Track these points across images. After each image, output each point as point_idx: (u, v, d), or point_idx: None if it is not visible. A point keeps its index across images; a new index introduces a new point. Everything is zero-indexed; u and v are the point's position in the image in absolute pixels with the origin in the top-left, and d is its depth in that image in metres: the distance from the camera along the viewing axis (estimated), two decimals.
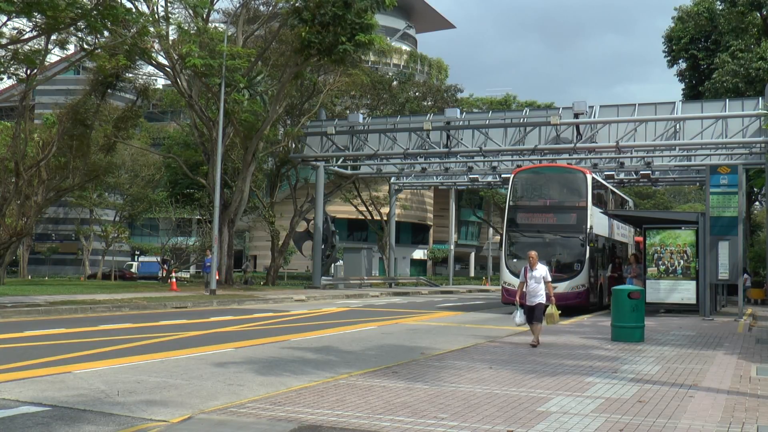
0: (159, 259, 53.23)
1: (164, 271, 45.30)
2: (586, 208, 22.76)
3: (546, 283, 12.66)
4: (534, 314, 12.62)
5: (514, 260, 23.54)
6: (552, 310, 12.71)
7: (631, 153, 32.53)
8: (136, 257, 67.88)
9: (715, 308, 22.65)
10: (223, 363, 10.75)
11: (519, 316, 12.84)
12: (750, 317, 20.72)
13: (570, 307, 22.54)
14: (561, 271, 22.91)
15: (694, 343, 13.80)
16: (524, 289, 12.82)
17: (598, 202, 24.66)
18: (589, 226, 22.59)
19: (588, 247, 22.52)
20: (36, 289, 29.64)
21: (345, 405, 7.29)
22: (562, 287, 22.49)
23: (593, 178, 23.94)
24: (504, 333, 15.97)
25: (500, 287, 27.25)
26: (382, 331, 16.65)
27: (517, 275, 23.69)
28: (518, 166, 30.94)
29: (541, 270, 12.65)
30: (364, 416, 6.81)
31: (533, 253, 12.75)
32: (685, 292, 21.18)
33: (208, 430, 6.24)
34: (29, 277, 54.85)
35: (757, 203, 50.74)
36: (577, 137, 30.14)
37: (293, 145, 37.63)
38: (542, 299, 12.61)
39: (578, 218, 22.86)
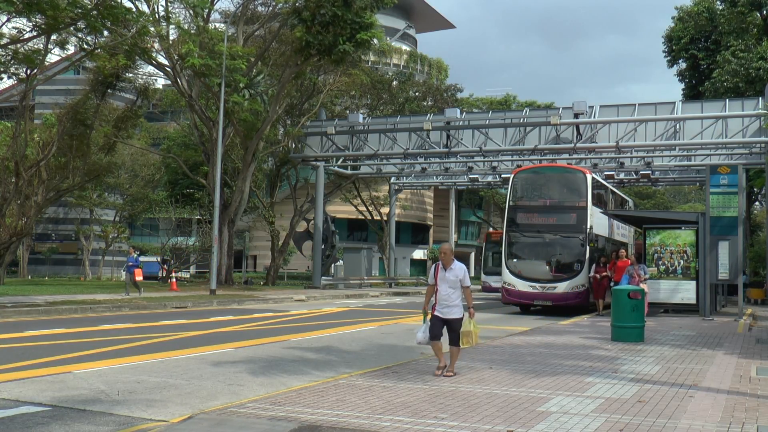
0: (159, 259, 53.23)
1: (164, 271, 45.26)
2: (586, 208, 22.74)
3: (464, 288, 9.30)
4: (450, 335, 9.36)
5: (515, 260, 23.61)
6: (470, 326, 9.39)
7: (631, 153, 32.54)
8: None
9: (715, 308, 22.63)
10: (223, 363, 10.75)
11: (422, 331, 9.37)
12: (750, 317, 20.72)
13: (570, 306, 22.59)
14: (561, 270, 22.91)
15: (694, 343, 13.80)
16: (435, 296, 9.44)
17: (598, 202, 24.62)
18: (589, 226, 22.57)
19: (588, 247, 22.49)
20: (36, 289, 29.65)
21: (345, 405, 7.29)
22: (563, 287, 22.58)
23: (593, 178, 23.89)
24: (504, 333, 15.97)
25: (500, 287, 27.65)
26: (382, 331, 16.65)
27: (517, 275, 23.42)
28: (518, 166, 30.95)
29: (458, 270, 9.24)
30: (364, 416, 6.81)
31: (446, 247, 9.34)
32: (685, 292, 21.18)
33: (208, 430, 6.24)
34: (29, 277, 54.89)
35: (757, 203, 50.75)
36: (577, 137, 30.15)
37: (293, 145, 37.64)
38: (458, 312, 9.27)
39: (578, 218, 22.85)
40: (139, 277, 26.68)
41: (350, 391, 8.10)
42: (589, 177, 23.30)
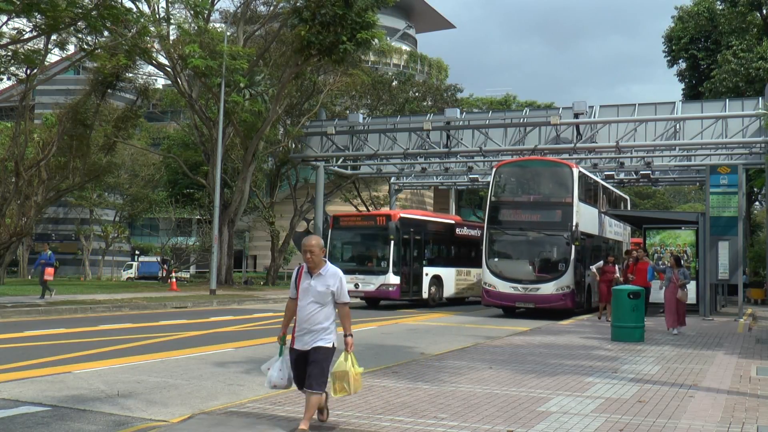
0: (159, 259, 53.28)
1: (164, 271, 45.27)
2: (572, 205, 21.32)
3: (339, 305, 6.25)
4: (309, 370, 6.11)
5: (495, 259, 22.24)
6: (347, 365, 6.17)
7: (631, 153, 32.52)
8: (136, 257, 67.89)
9: (714, 308, 22.58)
10: (223, 363, 10.75)
11: (278, 368, 6.36)
12: (750, 317, 20.72)
13: (554, 309, 21.24)
14: (545, 271, 21.53)
15: (694, 343, 13.80)
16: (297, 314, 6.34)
17: (587, 198, 23.25)
18: (574, 224, 21.07)
19: (573, 246, 21.02)
20: (36, 289, 29.63)
21: (345, 405, 7.29)
22: (546, 288, 21.13)
23: (580, 173, 22.36)
24: (504, 333, 15.97)
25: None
26: (382, 331, 16.65)
27: (498, 275, 21.72)
28: None
29: (330, 277, 6.21)
30: (364, 416, 6.81)
31: (312, 242, 6.19)
32: None
33: (208, 430, 6.23)
34: (29, 277, 54.90)
35: (757, 203, 50.76)
36: (577, 137, 30.12)
37: (293, 145, 37.64)
38: (324, 339, 6.17)
39: (563, 215, 21.39)
40: (48, 277, 23.33)
41: None
42: (575, 171, 21.78)
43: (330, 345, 6.17)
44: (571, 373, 9.62)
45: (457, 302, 28.34)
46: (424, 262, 25.81)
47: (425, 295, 25.57)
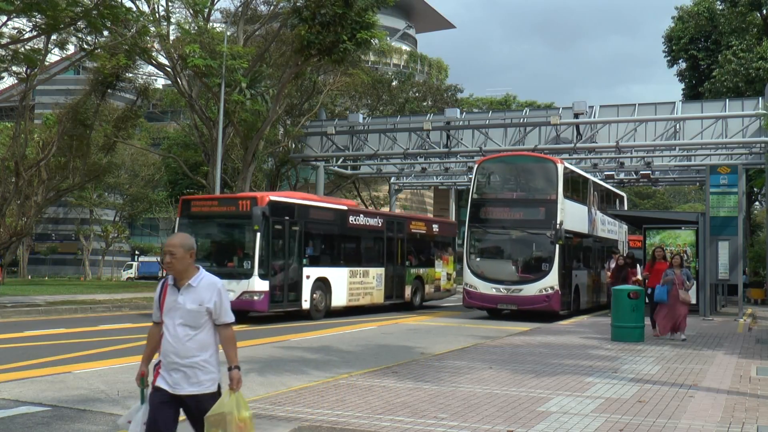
0: (159, 259, 53.24)
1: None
2: (556, 202, 20.30)
3: (219, 327, 4.72)
4: (192, 423, 4.74)
5: (477, 259, 21.20)
6: (229, 406, 4.57)
7: (631, 153, 32.53)
8: (136, 257, 67.92)
9: (714, 308, 22.57)
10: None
11: (136, 420, 4.89)
12: (750, 317, 20.73)
13: (537, 312, 20.25)
14: (528, 271, 20.58)
15: (694, 343, 13.80)
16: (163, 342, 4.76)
17: (574, 195, 22.17)
18: (559, 222, 20.03)
19: (558, 245, 19.97)
20: (36, 289, 29.67)
21: (345, 405, 7.29)
22: (529, 289, 20.11)
23: (565, 168, 21.30)
24: (504, 333, 15.97)
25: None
26: (382, 331, 16.66)
27: (479, 276, 20.70)
28: None
29: (205, 290, 4.61)
30: (364, 416, 6.81)
31: (175, 242, 4.68)
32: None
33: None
34: (29, 277, 54.95)
35: (757, 203, 50.77)
36: (577, 137, 30.13)
37: (293, 145, 37.66)
38: (207, 383, 4.68)
39: (547, 212, 20.41)
40: None
41: (350, 391, 8.10)
42: (560, 167, 20.75)
43: (214, 390, 4.64)
44: (571, 373, 9.62)
45: (352, 312, 21.93)
46: (304, 261, 19.62)
47: (306, 305, 19.34)
